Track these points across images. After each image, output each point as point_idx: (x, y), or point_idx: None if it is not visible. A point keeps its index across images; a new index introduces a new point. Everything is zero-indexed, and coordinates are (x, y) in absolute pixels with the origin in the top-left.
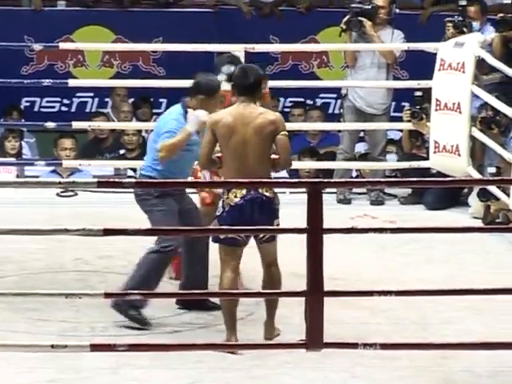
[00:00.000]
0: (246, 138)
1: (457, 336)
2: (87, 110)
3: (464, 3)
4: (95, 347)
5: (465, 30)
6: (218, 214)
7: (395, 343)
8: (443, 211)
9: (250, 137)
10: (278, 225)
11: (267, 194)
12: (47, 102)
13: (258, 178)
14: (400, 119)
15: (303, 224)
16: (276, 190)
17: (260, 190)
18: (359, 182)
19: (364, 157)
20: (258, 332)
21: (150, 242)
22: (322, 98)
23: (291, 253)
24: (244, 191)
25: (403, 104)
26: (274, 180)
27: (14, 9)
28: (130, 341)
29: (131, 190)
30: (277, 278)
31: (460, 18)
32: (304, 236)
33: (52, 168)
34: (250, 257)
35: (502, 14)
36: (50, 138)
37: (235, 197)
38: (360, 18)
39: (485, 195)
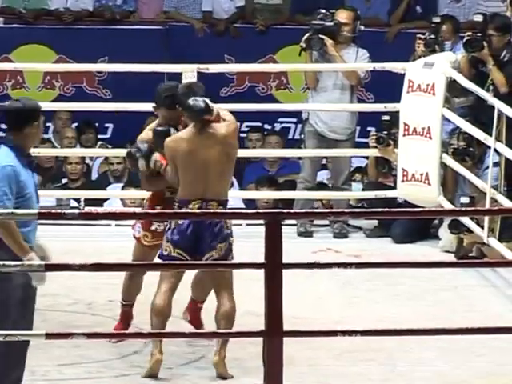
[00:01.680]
0: (207, 159)
1: (426, 378)
2: None
3: (438, 20)
4: None
5: (436, 48)
6: (168, 227)
7: None
8: (412, 244)
9: (211, 158)
10: (226, 247)
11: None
12: None
13: (215, 196)
14: (365, 145)
15: (261, 258)
16: (232, 221)
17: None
18: (321, 213)
19: (323, 186)
20: (211, 376)
21: (95, 278)
22: (281, 122)
23: (248, 289)
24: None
25: (369, 129)
26: (229, 211)
27: None
28: None
29: (75, 222)
30: (228, 310)
31: (432, 36)
32: (262, 271)
33: None
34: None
35: (470, 33)
36: None
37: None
38: (321, 36)
39: (457, 227)
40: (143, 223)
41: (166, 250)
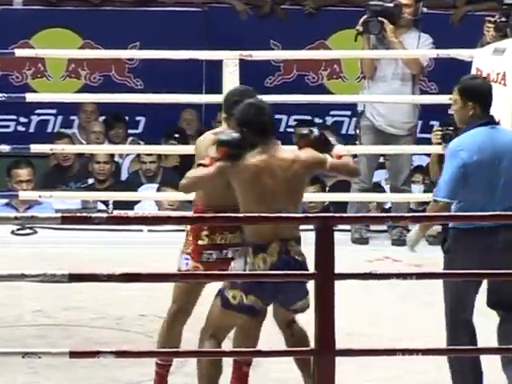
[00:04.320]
0: (275, 186)
1: None
2: (49, 131)
3: (510, 1)
4: None
5: (508, 33)
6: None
7: None
8: None
9: (279, 185)
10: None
11: (298, 258)
12: (0, 120)
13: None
14: (428, 141)
15: (310, 268)
16: None
17: (291, 254)
18: (378, 217)
19: (378, 187)
20: None
21: (125, 289)
22: (334, 115)
23: None
24: (275, 257)
25: (432, 123)
26: (278, 215)
27: None
28: None
29: (102, 226)
30: (303, 334)
31: (503, 19)
32: (312, 282)
33: (6, 200)
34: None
35: None
36: (4, 164)
37: (264, 263)
38: (380, 19)
39: None
40: (193, 252)
41: (234, 297)
